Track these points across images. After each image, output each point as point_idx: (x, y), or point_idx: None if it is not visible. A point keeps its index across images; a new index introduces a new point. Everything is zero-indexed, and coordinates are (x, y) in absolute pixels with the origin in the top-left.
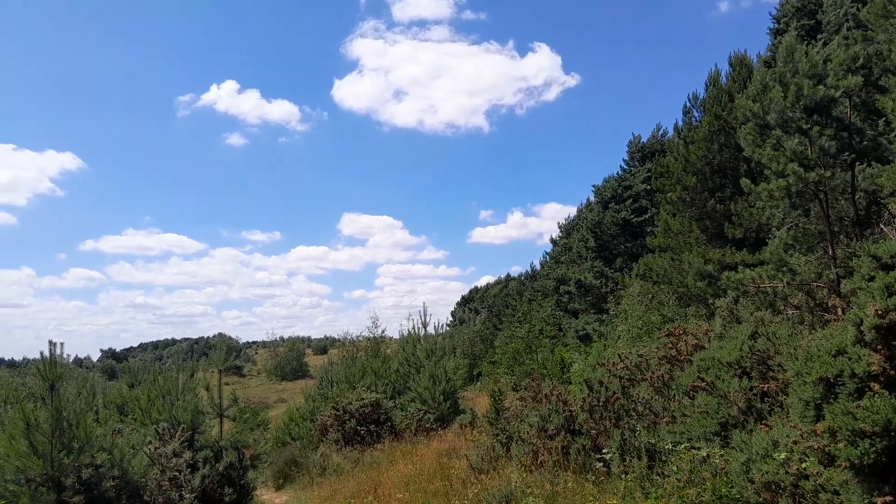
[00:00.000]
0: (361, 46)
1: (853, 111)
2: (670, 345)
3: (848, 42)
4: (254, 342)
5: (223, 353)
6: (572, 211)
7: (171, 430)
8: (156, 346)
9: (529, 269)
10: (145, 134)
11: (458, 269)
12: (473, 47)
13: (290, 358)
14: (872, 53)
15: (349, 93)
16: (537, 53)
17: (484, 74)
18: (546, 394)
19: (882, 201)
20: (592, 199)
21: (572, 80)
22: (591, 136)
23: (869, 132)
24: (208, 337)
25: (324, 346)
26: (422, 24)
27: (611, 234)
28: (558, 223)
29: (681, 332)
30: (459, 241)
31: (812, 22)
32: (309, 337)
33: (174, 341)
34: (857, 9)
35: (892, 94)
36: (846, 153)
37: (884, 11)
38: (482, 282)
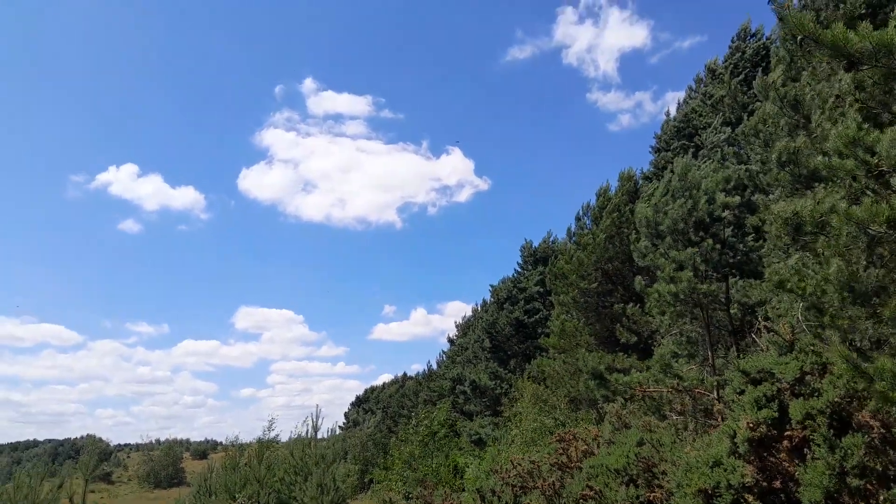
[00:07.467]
0: (273, 136)
1: (728, 227)
2: (561, 450)
3: (725, 165)
4: (126, 444)
5: (94, 459)
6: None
7: None
8: (14, 447)
9: (426, 369)
10: (29, 212)
11: (357, 367)
12: (389, 145)
13: (166, 463)
14: (744, 176)
15: (256, 182)
16: (451, 156)
17: (398, 172)
18: None
19: (753, 312)
20: (489, 299)
21: (484, 184)
22: (498, 236)
23: (741, 248)
24: (75, 438)
25: (204, 449)
26: (338, 119)
27: (505, 335)
28: (455, 322)
29: (571, 437)
30: (360, 338)
31: (691, 144)
32: (188, 439)
33: (36, 443)
34: (734, 135)
35: (762, 212)
36: (724, 267)
37: (754, 131)
38: (380, 381)
